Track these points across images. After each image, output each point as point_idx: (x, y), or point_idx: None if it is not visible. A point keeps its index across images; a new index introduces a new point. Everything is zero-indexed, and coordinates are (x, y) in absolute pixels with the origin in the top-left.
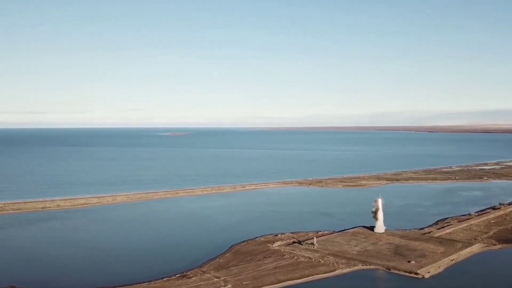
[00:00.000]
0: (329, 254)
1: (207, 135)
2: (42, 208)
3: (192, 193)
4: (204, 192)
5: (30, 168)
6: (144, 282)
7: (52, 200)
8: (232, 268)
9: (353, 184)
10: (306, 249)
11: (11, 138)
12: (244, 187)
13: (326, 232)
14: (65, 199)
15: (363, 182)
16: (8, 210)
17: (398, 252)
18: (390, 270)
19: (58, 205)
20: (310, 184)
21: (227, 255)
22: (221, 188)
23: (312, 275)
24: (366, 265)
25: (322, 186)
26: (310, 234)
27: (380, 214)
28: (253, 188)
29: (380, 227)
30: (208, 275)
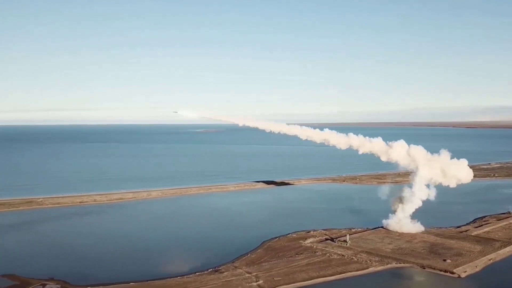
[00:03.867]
0: (362, 251)
1: (239, 132)
2: (80, 202)
3: (224, 189)
4: (237, 188)
5: (66, 164)
6: (177, 276)
7: (88, 195)
8: (263, 264)
9: (389, 181)
10: (339, 246)
11: (37, 135)
12: (276, 183)
13: (359, 229)
14: (101, 194)
15: (398, 179)
16: (47, 204)
17: (433, 250)
18: (425, 268)
19: (95, 200)
20: (343, 181)
21: (258, 251)
22: (253, 184)
23: (344, 273)
24: (400, 263)
25: (356, 183)
26: (343, 231)
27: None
28: (286, 185)
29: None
30: (240, 270)
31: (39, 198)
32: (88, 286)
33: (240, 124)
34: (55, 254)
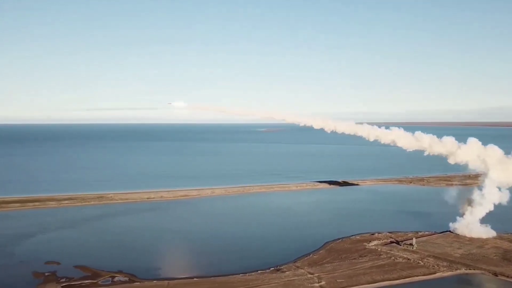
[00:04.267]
0: (429, 255)
1: (301, 131)
2: (147, 198)
3: (286, 188)
4: (299, 187)
5: (134, 161)
6: (239, 274)
7: (156, 192)
8: (326, 265)
9: (458, 183)
10: (404, 250)
11: (106, 132)
12: (339, 183)
13: (427, 233)
14: (167, 191)
15: (468, 181)
16: (117, 200)
17: (507, 257)
18: (497, 275)
19: (162, 196)
20: (410, 182)
21: (321, 251)
22: (315, 184)
23: (410, 277)
24: (470, 269)
25: (423, 185)
26: (409, 235)
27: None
28: (349, 185)
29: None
30: (302, 270)
31: (109, 194)
32: (154, 280)
33: (301, 124)
34: (124, 247)
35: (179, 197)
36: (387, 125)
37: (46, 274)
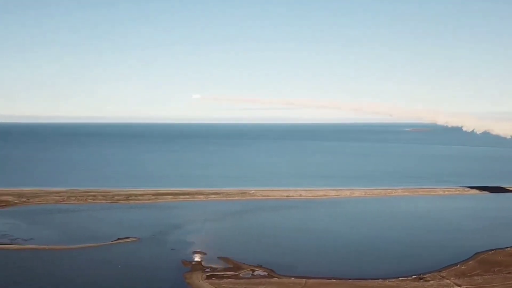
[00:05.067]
0: None
1: (448, 132)
2: (287, 196)
3: (432, 193)
4: (446, 192)
5: (268, 159)
6: (378, 279)
7: (295, 190)
8: (475, 277)
9: None
10: None
11: (254, 132)
12: (491, 189)
13: None
14: (306, 190)
15: None
16: (258, 196)
17: None
18: None
19: (300, 195)
20: None
21: (470, 262)
22: (465, 190)
23: None
24: None
25: None
26: None
27: None
28: (504, 191)
29: None
30: (448, 281)
31: (252, 190)
32: (292, 277)
33: (450, 125)
34: (264, 243)
35: (317, 197)
36: None
37: (193, 262)
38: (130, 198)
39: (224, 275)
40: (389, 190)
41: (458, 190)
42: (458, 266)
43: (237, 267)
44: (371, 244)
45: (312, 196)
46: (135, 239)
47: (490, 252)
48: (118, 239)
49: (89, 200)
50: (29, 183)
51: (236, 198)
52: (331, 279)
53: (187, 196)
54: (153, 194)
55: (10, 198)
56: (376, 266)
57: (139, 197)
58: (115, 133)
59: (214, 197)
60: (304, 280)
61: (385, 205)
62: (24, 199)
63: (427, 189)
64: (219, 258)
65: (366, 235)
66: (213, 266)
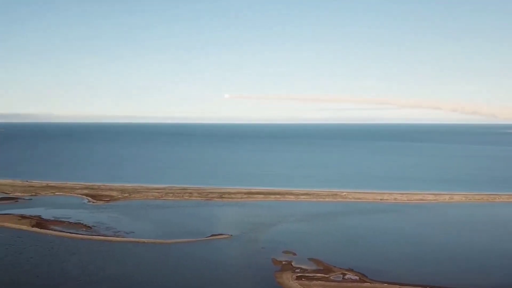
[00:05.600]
0: None
1: None
2: (380, 199)
3: None
4: None
5: (360, 160)
6: None
7: (389, 193)
8: None
9: None
10: None
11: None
12: None
13: None
14: (401, 193)
15: None
16: (350, 198)
17: None
18: None
19: (395, 198)
20: None
21: None
22: None
23: None
24: None
25: None
26: None
27: None
28: None
29: None
30: None
31: (343, 192)
32: (385, 283)
33: None
34: (355, 246)
35: (413, 201)
36: None
37: (283, 262)
38: (223, 196)
39: (314, 277)
40: (492, 196)
41: None
42: None
43: (327, 269)
44: (470, 253)
45: (407, 200)
46: (227, 236)
47: None
48: (212, 235)
49: (185, 197)
50: (131, 179)
51: (327, 199)
52: (426, 287)
53: (278, 196)
54: (245, 193)
55: (114, 193)
56: (473, 276)
57: (232, 195)
58: (197, 133)
59: (304, 198)
60: (397, 286)
61: (488, 212)
62: (126, 194)
63: None
64: (309, 259)
65: (465, 244)
66: (303, 267)
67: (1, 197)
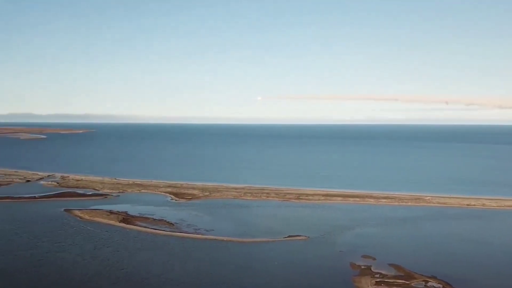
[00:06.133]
0: None
1: None
2: (467, 205)
3: None
4: None
5: (442, 163)
6: None
7: (477, 198)
8: None
9: None
10: None
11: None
12: None
13: None
14: (490, 199)
15: None
16: (434, 203)
17: None
18: None
19: (483, 204)
20: None
21: None
22: None
23: None
24: None
25: None
26: None
27: None
28: None
29: None
30: None
31: (427, 196)
32: None
33: None
34: (438, 252)
35: (504, 207)
36: None
37: (362, 266)
38: (301, 197)
39: (395, 283)
40: None
41: None
42: None
43: (408, 275)
44: None
45: (497, 206)
46: (304, 237)
47: None
48: (289, 236)
49: (263, 197)
50: (211, 178)
51: (409, 203)
52: None
53: (357, 199)
54: (323, 195)
55: (195, 192)
56: None
57: (310, 197)
58: (261, 134)
59: (385, 201)
60: None
61: None
62: (207, 193)
63: None
64: (389, 264)
65: None
66: (383, 272)
67: (92, 194)
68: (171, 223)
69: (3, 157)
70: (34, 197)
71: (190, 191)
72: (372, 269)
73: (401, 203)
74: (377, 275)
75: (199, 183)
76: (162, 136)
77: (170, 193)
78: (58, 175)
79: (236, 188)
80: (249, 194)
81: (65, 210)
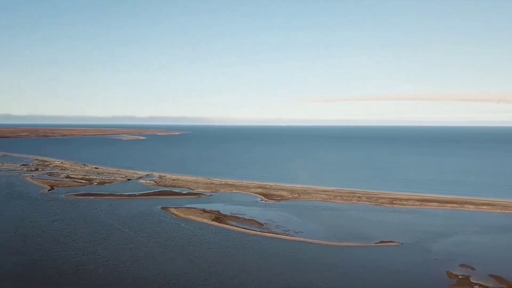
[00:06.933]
0: None
1: None
2: None
3: None
4: None
5: None
6: None
7: None
8: None
9: None
10: None
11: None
12: None
13: None
14: None
15: None
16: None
17: None
18: None
19: None
20: None
21: None
22: None
23: None
24: None
25: None
26: None
27: None
28: None
29: None
30: None
31: None
32: None
33: None
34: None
35: None
36: None
37: (460, 276)
38: (394, 202)
39: None
40: None
41: None
42: None
43: (510, 287)
44: None
45: None
46: (397, 243)
47: None
48: (381, 241)
49: (354, 201)
50: (300, 180)
51: None
52: None
53: (455, 205)
54: (418, 200)
55: (284, 193)
56: None
57: (403, 202)
58: (335, 135)
59: (486, 208)
60: None
61: None
62: (296, 195)
63: None
64: (490, 275)
65: None
66: (482, 283)
67: (187, 193)
68: (261, 223)
69: (108, 156)
70: (134, 195)
71: (279, 192)
72: (470, 280)
73: (504, 211)
74: (476, 286)
75: (287, 185)
76: (246, 138)
77: (260, 193)
78: (156, 174)
79: (325, 191)
80: (339, 197)
81: (162, 208)
